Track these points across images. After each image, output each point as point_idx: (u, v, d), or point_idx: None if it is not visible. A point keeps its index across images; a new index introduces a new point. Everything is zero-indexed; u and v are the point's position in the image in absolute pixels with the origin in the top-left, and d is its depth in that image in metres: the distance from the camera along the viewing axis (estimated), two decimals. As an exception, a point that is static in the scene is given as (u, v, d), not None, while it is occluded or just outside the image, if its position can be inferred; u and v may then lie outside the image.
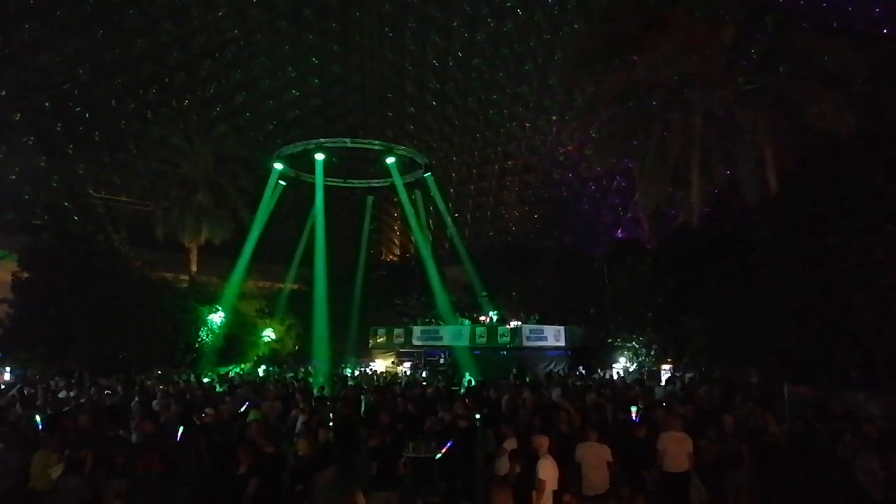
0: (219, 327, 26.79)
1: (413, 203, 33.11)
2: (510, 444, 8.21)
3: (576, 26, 30.21)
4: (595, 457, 7.75)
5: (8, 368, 22.20)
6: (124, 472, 7.80)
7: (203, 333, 26.53)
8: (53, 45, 29.87)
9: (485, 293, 29.66)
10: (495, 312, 27.32)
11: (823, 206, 13.65)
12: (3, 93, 29.48)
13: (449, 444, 8.96)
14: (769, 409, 10.86)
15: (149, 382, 18.36)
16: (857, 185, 13.21)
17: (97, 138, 33.12)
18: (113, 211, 32.65)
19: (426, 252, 32.04)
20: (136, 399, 13.32)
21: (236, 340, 27.78)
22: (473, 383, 18.55)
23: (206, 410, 10.85)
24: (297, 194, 34.50)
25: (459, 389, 17.17)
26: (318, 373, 23.28)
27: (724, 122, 20.25)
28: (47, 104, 30.96)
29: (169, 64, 33.88)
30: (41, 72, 29.81)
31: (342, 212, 38.59)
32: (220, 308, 27.24)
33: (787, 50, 21.72)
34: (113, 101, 33.24)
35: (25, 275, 24.09)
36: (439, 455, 8.89)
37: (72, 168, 32.30)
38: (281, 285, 33.36)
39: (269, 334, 29.37)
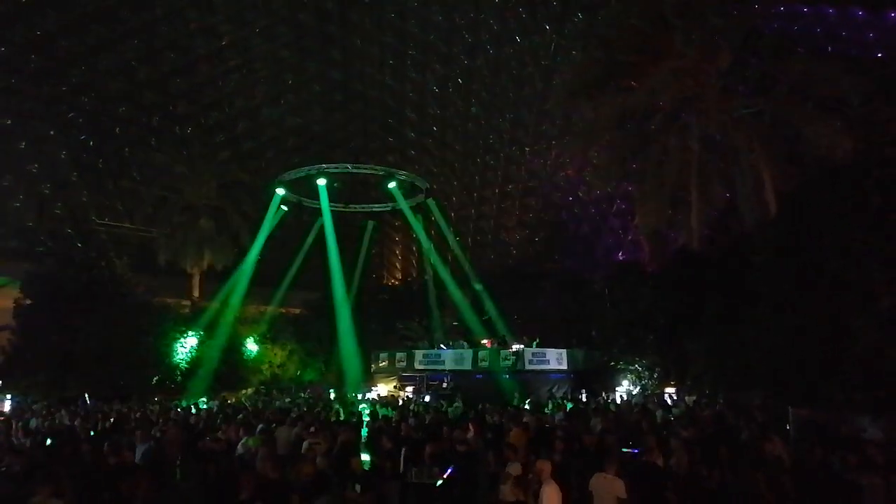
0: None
1: (414, 227, 33.39)
2: (514, 468, 8.15)
3: (573, 53, 30.64)
4: (606, 490, 7.61)
5: (9, 396, 22.12)
6: (128, 500, 7.76)
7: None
8: (58, 74, 30.35)
9: (487, 315, 29.63)
10: (504, 336, 27.15)
11: (822, 229, 13.73)
12: (9, 122, 29.86)
13: (450, 470, 8.90)
14: (774, 433, 10.79)
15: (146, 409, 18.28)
16: (855, 207, 13.30)
17: (101, 166, 33.47)
18: (116, 237, 32.82)
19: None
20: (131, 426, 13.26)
21: (236, 365, 27.68)
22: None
23: (220, 435, 10.82)
24: (299, 219, 34.70)
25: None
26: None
27: (721, 146, 20.47)
28: (52, 132, 31.32)
29: (172, 92, 34.38)
30: (46, 101, 30.23)
31: (342, 236, 38.76)
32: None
33: (783, 74, 21.99)
34: (117, 129, 33.66)
35: (27, 301, 24.11)
36: (440, 482, 8.82)
37: (75, 195, 32.59)
38: (283, 309, 33.36)
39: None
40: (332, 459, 9.68)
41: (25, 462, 8.92)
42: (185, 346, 26.60)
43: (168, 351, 25.89)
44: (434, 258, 33.28)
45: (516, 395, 21.62)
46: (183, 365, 26.25)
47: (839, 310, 12.89)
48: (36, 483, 7.45)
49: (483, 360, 24.84)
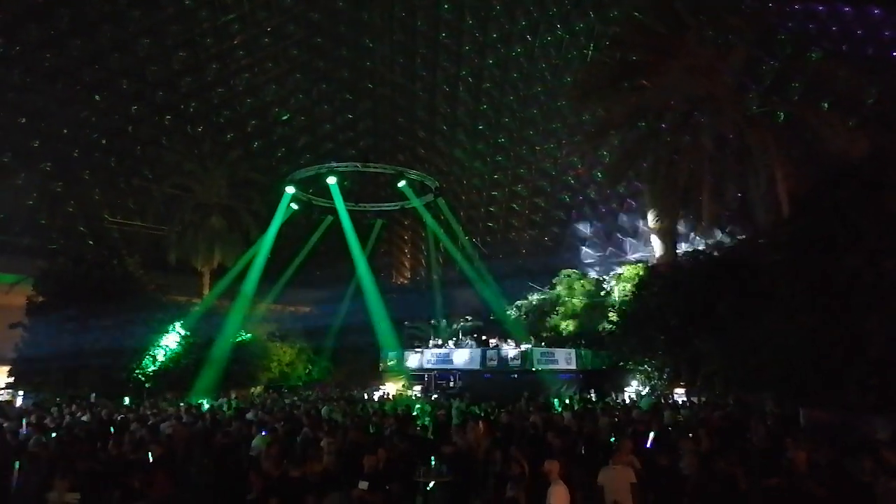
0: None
1: (425, 225, 33.46)
2: (518, 468, 8.09)
3: (584, 51, 30.51)
4: (618, 481, 7.56)
5: (21, 392, 22.29)
6: (141, 495, 7.79)
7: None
8: (71, 73, 30.58)
9: (492, 316, 29.64)
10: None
11: (836, 228, 13.56)
12: (23, 120, 30.10)
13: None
14: (786, 434, 10.67)
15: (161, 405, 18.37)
16: (870, 206, 13.13)
17: (113, 164, 33.68)
18: (127, 235, 33.06)
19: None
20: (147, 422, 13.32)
21: (246, 364, 27.73)
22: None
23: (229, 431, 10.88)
24: (309, 218, 34.79)
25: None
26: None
27: (734, 145, 20.30)
28: (64, 131, 31.56)
29: (183, 91, 34.54)
30: (59, 100, 30.45)
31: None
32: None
33: (797, 73, 21.84)
34: (129, 128, 33.86)
35: (40, 299, 24.29)
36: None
37: (87, 193, 32.83)
38: (292, 308, 33.45)
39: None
40: (342, 458, 9.70)
41: (45, 458, 9.01)
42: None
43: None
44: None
45: (525, 394, 21.50)
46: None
47: (853, 310, 12.74)
48: (54, 478, 7.52)
49: (492, 359, 24.81)
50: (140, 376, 24.63)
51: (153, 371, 25.01)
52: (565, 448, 9.58)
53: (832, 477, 8.60)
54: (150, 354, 25.05)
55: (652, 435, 10.89)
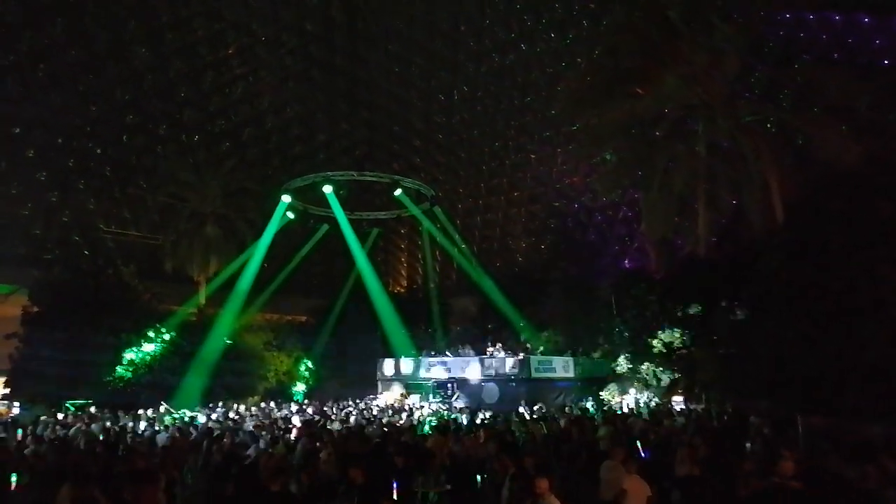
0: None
1: (421, 234, 33.51)
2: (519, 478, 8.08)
3: (579, 60, 30.67)
4: (639, 491, 7.62)
5: (16, 403, 22.14)
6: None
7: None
8: (65, 82, 30.53)
9: (491, 325, 29.64)
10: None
11: (831, 235, 13.64)
12: (17, 129, 30.02)
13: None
14: (782, 442, 10.68)
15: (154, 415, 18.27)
16: (864, 213, 13.22)
17: (108, 173, 33.57)
18: (123, 245, 32.91)
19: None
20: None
21: (243, 374, 27.59)
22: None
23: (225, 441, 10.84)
24: (305, 227, 34.77)
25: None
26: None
27: (728, 153, 20.42)
28: (59, 140, 31.49)
29: (178, 100, 34.51)
30: (54, 109, 30.38)
31: (347, 244, 38.74)
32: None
33: (790, 81, 21.99)
34: (124, 137, 33.78)
35: (35, 309, 24.17)
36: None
37: (83, 203, 32.68)
38: (289, 317, 33.36)
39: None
40: (340, 469, 9.67)
41: (43, 470, 8.96)
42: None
43: (177, 359, 25.45)
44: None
45: (523, 402, 21.44)
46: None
47: (849, 316, 12.79)
48: (51, 490, 7.48)
49: (489, 367, 24.81)
50: (132, 384, 24.42)
51: (147, 380, 24.80)
52: (565, 458, 9.60)
53: (831, 484, 8.61)
54: (146, 364, 24.86)
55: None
